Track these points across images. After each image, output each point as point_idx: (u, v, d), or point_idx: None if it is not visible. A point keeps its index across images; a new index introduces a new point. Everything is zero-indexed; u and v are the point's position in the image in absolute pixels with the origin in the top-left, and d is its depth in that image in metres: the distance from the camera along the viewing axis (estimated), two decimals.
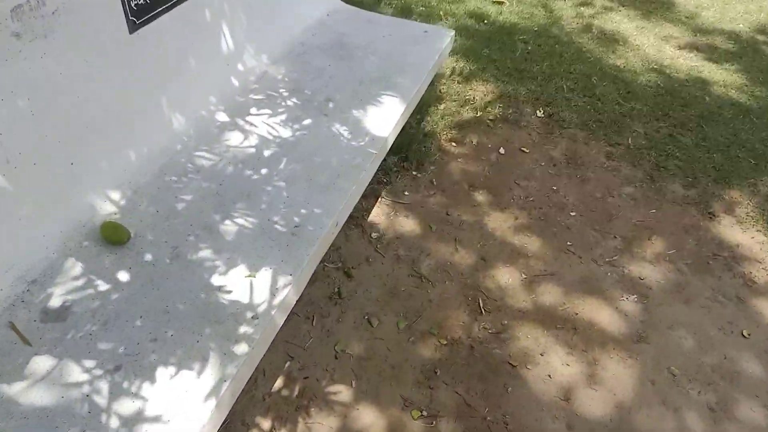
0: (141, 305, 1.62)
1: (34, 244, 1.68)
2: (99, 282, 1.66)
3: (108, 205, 1.89)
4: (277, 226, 1.89)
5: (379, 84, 2.69)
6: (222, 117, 2.39)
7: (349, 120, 2.44)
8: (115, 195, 1.92)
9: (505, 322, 2.50)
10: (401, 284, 2.61)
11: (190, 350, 1.53)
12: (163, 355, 1.51)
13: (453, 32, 3.18)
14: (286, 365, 2.23)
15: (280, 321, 1.72)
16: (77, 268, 1.69)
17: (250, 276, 1.74)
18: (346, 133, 2.36)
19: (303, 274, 1.80)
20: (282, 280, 1.73)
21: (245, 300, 1.67)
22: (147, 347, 1.53)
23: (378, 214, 2.94)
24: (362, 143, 2.31)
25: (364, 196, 2.98)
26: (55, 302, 1.60)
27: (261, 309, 1.65)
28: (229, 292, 1.69)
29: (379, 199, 2.99)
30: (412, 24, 3.25)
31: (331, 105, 2.53)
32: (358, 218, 2.87)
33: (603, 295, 2.65)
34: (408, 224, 2.91)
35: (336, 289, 2.54)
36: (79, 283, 1.65)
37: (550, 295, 2.64)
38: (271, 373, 2.20)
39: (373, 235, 2.85)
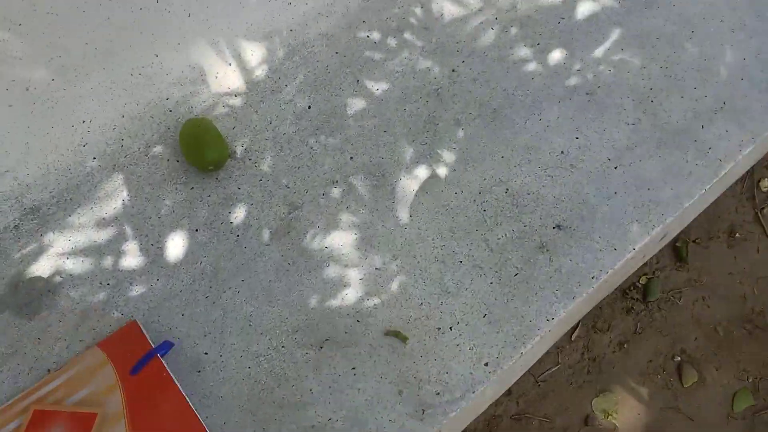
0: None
1: (63, 133, 0.89)
2: (130, 246, 0.83)
3: (229, 71, 0.98)
4: (522, 200, 0.78)
5: None
6: None
7: None
8: (252, 47, 0.98)
9: None
10: None
11: None
12: None
13: None
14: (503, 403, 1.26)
15: None
16: (116, 200, 0.89)
17: (397, 335, 0.73)
18: None
19: (527, 356, 0.73)
20: (466, 373, 0.69)
21: (360, 410, 0.70)
22: None
23: None
24: None
25: None
26: (43, 266, 0.83)
27: None
28: (342, 380, 0.73)
29: None
30: None
31: None
32: None
33: None
34: None
35: (643, 281, 1.36)
36: (101, 236, 0.85)
37: None
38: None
39: (765, 182, 1.47)
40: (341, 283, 0.80)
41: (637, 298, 1.36)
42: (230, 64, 1.00)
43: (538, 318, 0.74)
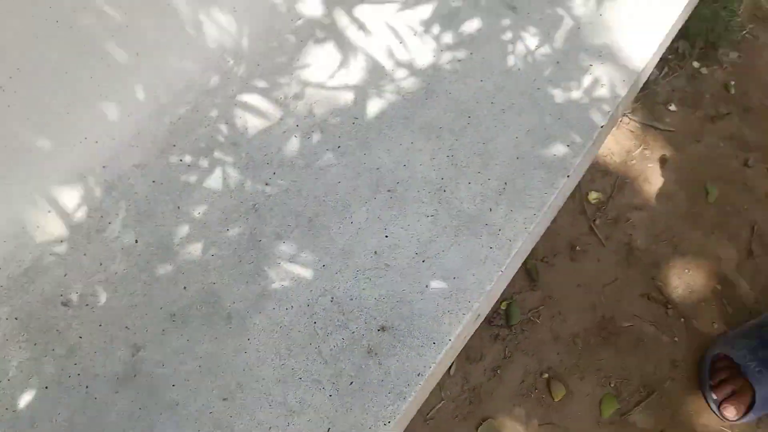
0: None
1: None
2: None
3: (49, 219, 1.04)
4: (347, 306, 0.91)
5: None
6: (311, 8, 1.28)
7: (557, 26, 1.18)
8: (67, 190, 1.05)
9: None
10: (624, 313, 1.52)
11: None
12: None
13: None
14: None
15: None
16: None
17: None
18: (546, 62, 1.14)
19: None
20: None
21: None
22: None
23: (610, 149, 1.73)
24: (583, 97, 1.10)
25: None
26: None
27: None
28: None
29: (618, 120, 1.75)
30: None
31: None
32: None
33: None
34: (658, 178, 1.68)
35: (503, 306, 1.53)
36: None
37: None
38: None
39: (592, 195, 1.69)
40: (193, 420, 0.90)
41: (502, 324, 1.54)
42: (49, 212, 1.07)
43: (376, 424, 0.87)
